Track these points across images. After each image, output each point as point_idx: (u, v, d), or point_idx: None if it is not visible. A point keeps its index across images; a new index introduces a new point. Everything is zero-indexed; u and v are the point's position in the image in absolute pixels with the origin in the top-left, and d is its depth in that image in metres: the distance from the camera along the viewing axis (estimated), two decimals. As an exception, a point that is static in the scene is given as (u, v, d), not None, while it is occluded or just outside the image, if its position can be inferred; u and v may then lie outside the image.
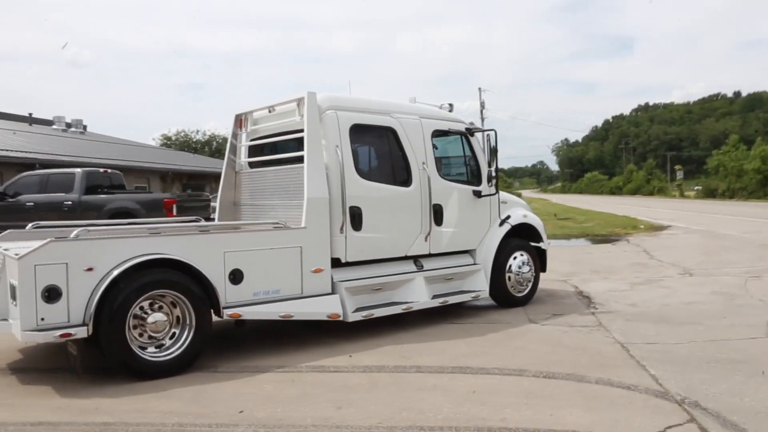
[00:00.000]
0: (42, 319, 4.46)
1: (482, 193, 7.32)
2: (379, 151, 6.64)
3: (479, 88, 50.10)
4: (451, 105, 7.54)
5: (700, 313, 6.89)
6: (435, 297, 6.68)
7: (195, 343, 5.02)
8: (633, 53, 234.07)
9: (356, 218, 6.12)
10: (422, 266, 6.78)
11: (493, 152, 7.35)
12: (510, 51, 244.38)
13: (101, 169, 13.90)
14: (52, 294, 4.48)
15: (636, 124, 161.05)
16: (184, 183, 24.52)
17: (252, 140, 7.17)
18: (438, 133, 7.04)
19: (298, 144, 6.21)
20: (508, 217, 7.62)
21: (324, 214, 5.91)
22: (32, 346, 5.87)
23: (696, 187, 54.09)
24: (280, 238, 5.68)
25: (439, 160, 7.01)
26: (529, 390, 4.42)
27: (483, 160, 7.46)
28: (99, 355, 4.75)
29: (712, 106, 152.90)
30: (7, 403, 4.34)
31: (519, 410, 3.97)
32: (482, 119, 46.62)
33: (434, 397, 4.30)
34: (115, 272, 4.65)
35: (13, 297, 4.53)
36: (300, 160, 6.17)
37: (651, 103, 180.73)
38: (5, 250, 5.01)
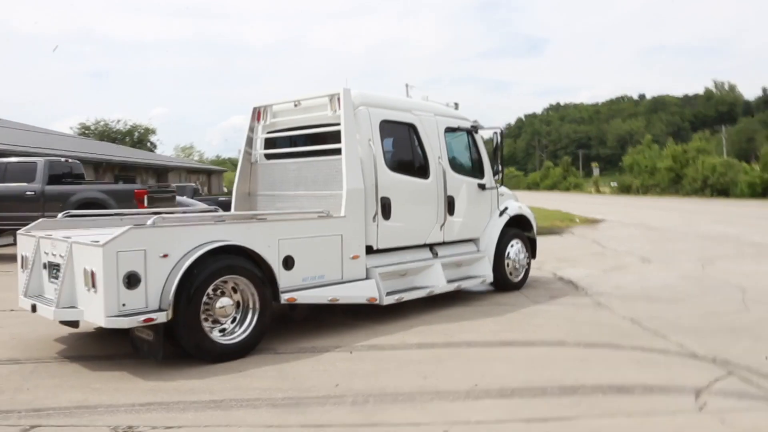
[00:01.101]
0: (123, 304, 4.63)
1: (486, 186, 8.01)
2: (403, 146, 7.12)
3: (406, 84, 51.07)
4: (456, 104, 8.16)
5: (680, 293, 7.89)
6: (450, 282, 7.27)
7: (258, 326, 5.31)
8: (544, 54, 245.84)
9: (386, 208, 6.60)
10: (437, 253, 7.35)
11: (499, 148, 8.04)
12: (426, 47, 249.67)
13: (62, 158, 13.40)
14: (132, 280, 4.65)
15: (548, 123, 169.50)
16: (116, 174, 23.69)
17: (270, 132, 7.45)
18: (449, 130, 7.63)
19: (329, 137, 6.61)
20: (506, 208, 8.34)
21: (361, 204, 6.34)
22: (64, 334, 5.93)
23: (612, 184, 58.10)
24: (325, 227, 6.05)
25: (450, 155, 7.59)
26: (580, 357, 5.10)
27: (485, 155, 8.14)
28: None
29: (620, 107, 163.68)
30: (92, 387, 4.47)
31: (584, 372, 4.62)
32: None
33: (502, 365, 4.88)
34: (192, 258, 4.88)
35: (92, 284, 4.64)
36: (330, 152, 6.59)
37: (562, 103, 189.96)
38: (67, 237, 5.09)
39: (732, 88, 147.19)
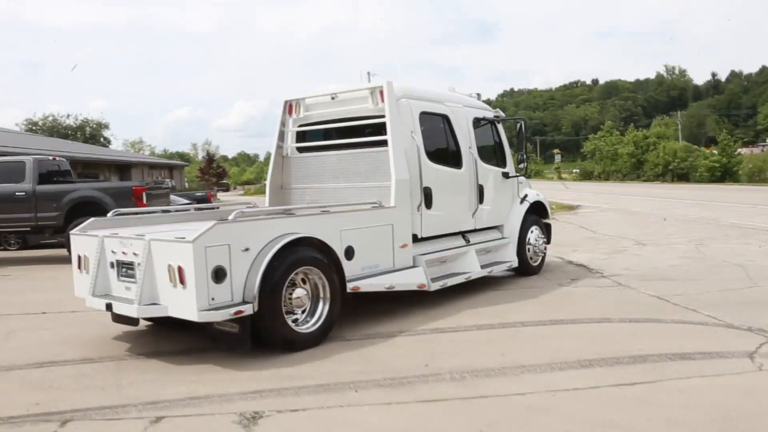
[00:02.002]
0: (213, 298, 4.91)
1: (509, 175, 8.54)
2: (439, 137, 7.54)
3: (368, 72, 51.57)
4: (479, 94, 8.66)
5: (689, 273, 8.60)
6: (483, 267, 7.78)
7: (330, 315, 5.67)
8: (497, 39, 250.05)
9: (428, 198, 7.04)
10: (469, 240, 7.84)
11: (523, 138, 8.57)
12: (377, 33, 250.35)
13: (50, 156, 13.24)
14: (219, 274, 4.94)
15: (502, 109, 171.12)
16: (78, 172, 23.20)
17: (302, 126, 7.76)
18: (476, 120, 8.10)
19: (370, 129, 6.99)
20: (526, 195, 8.92)
21: (408, 194, 6.75)
22: (120, 333, 6.15)
23: (575, 170, 60.02)
24: (378, 217, 6.44)
25: (478, 145, 8.07)
26: (631, 331, 5.67)
27: (507, 144, 8.67)
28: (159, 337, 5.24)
29: (573, 92, 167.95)
30: (191, 380, 4.75)
31: (643, 343, 5.18)
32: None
33: (566, 341, 5.41)
34: (272, 251, 5.20)
35: (179, 279, 4.89)
36: (372, 144, 6.98)
37: (516, 89, 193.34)
38: (140, 236, 5.32)
39: (682, 73, 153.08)
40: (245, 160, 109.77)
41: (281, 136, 7.87)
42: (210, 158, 37.94)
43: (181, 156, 68.35)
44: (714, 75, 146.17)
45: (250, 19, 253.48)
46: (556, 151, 70.11)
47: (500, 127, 8.61)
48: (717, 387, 4.21)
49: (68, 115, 49.81)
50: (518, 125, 8.65)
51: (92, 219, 6.25)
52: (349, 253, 6.02)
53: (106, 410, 4.18)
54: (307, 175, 7.73)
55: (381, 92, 6.86)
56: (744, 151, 45.21)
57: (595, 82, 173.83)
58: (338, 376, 4.70)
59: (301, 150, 7.84)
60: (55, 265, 11.87)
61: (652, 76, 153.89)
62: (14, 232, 11.99)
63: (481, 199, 7.93)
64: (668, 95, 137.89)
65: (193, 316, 4.87)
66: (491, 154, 8.41)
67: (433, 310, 6.79)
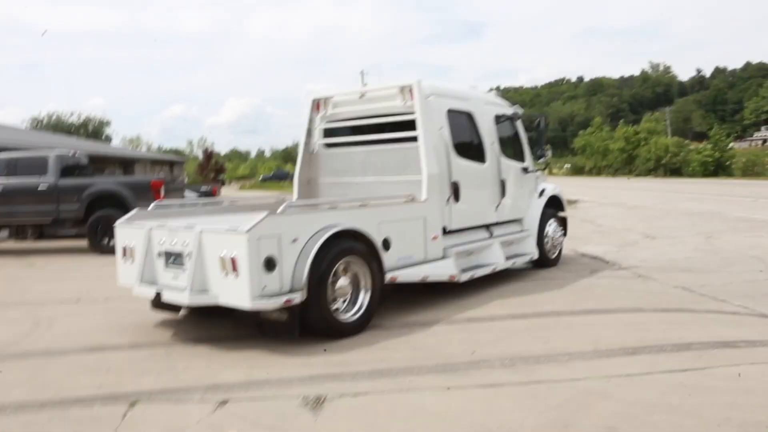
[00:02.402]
0: (264, 287, 4.96)
1: (528, 170, 8.62)
2: (464, 133, 7.60)
3: (361, 72, 52.10)
4: (498, 90, 8.74)
5: (706, 265, 8.72)
6: (507, 259, 7.86)
7: (371, 304, 5.74)
8: (483, 38, 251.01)
9: (456, 191, 7.11)
10: (492, 233, 7.92)
11: (543, 133, 8.66)
12: (364, 34, 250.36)
13: (71, 151, 13.21)
14: (270, 264, 4.99)
15: None
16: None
17: (329, 122, 7.80)
18: (497, 117, 8.17)
19: (400, 126, 7.04)
20: (544, 189, 9.00)
21: (438, 188, 6.81)
22: (160, 320, 6.18)
23: (566, 165, 60.32)
24: (411, 210, 6.50)
25: (499, 141, 8.14)
26: (665, 320, 5.76)
27: (525, 140, 8.76)
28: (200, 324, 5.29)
29: (559, 89, 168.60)
30: (245, 365, 4.78)
31: (682, 332, 5.27)
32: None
33: (604, 330, 5.49)
34: (319, 242, 5.24)
35: (232, 269, 4.93)
36: (402, 140, 7.04)
37: (502, 86, 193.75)
38: (190, 226, 5.35)
39: (667, 69, 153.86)
40: (237, 156, 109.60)
41: (309, 132, 7.91)
42: (209, 154, 37.99)
43: (176, 152, 68.18)
44: (699, 71, 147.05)
45: (244, 19, 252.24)
46: (546, 146, 70.39)
47: (519, 123, 8.69)
48: (760, 374, 4.30)
49: (72, 113, 49.93)
50: (537, 121, 8.74)
51: (136, 210, 6.30)
52: (387, 244, 6.08)
53: (170, 393, 4.23)
54: (335, 170, 7.78)
55: (410, 90, 6.91)
56: (734, 145, 45.59)
57: (580, 79, 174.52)
58: (389, 362, 4.76)
59: (328, 146, 7.88)
60: (75, 255, 11.87)
61: (637, 72, 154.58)
62: (36, 224, 11.98)
63: (503, 193, 8.01)
64: (653, 91, 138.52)
65: (246, 304, 4.92)
66: (511, 149, 8.48)
67: (463, 300, 6.86)
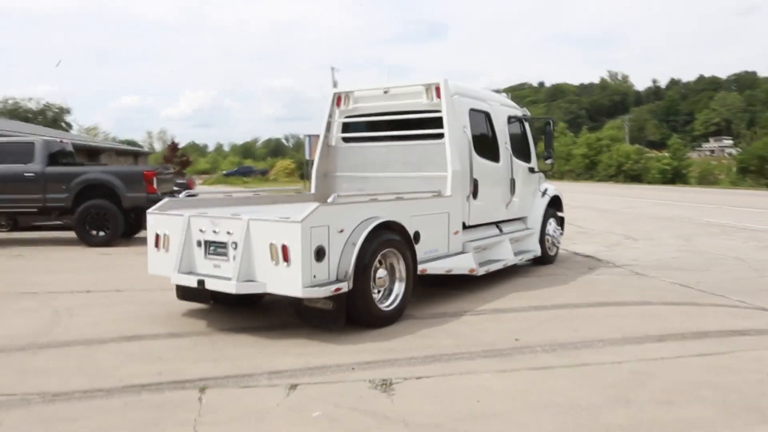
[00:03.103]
0: (314, 276, 5.18)
1: (534, 170, 9.07)
2: (483, 132, 7.96)
3: (332, 68, 52.04)
4: (508, 93, 9.16)
5: (695, 264, 9.31)
6: (516, 255, 8.27)
7: (405, 294, 6.01)
8: (447, 40, 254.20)
9: (476, 189, 7.46)
10: (502, 230, 8.31)
11: (551, 135, 9.11)
12: (329, 30, 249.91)
13: (58, 138, 12.96)
14: (320, 253, 5.21)
15: None
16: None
17: (348, 117, 8.04)
18: (509, 118, 8.58)
19: (424, 123, 7.35)
20: (546, 189, 9.47)
21: (461, 184, 7.15)
22: (191, 309, 6.31)
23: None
24: (437, 205, 6.81)
25: (511, 141, 8.54)
26: (677, 312, 6.24)
27: (532, 141, 9.20)
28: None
29: (521, 93, 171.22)
30: (293, 352, 4.98)
31: (697, 322, 5.76)
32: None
33: (622, 320, 5.92)
34: (364, 233, 5.49)
35: (283, 258, 5.11)
36: (426, 137, 7.36)
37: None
38: (236, 215, 5.53)
39: (625, 78, 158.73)
40: (195, 150, 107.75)
41: (328, 126, 8.13)
42: (174, 147, 37.56)
43: (132, 144, 66.80)
44: (655, 81, 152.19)
45: (204, 10, 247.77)
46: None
47: (527, 125, 9.12)
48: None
49: (30, 99, 48.11)
50: (546, 124, 9.19)
51: (166, 199, 6.40)
52: (417, 237, 6.36)
53: (235, 378, 4.39)
54: (355, 164, 8.02)
55: (437, 88, 7.22)
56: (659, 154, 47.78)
57: (541, 84, 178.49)
58: (437, 348, 5.05)
59: (347, 140, 8.12)
60: (63, 247, 11.69)
61: (597, 80, 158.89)
62: (22, 213, 11.74)
63: (512, 192, 8.41)
64: (611, 100, 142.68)
65: (297, 292, 5.12)
66: (520, 150, 8.89)
67: (480, 293, 7.22)
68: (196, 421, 3.66)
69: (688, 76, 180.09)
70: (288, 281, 5.16)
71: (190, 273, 5.75)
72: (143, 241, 12.61)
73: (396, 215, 6.00)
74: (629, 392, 4.01)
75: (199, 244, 5.75)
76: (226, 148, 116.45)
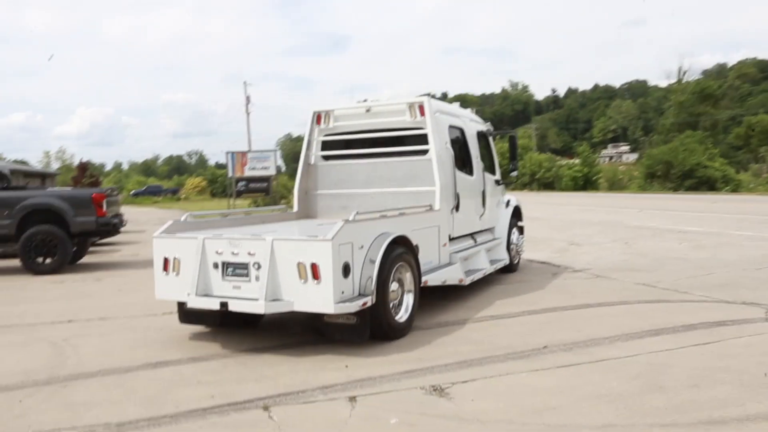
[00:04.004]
0: (342, 292, 5.47)
1: (499, 182, 9.74)
2: (460, 147, 8.50)
3: (244, 82, 51.95)
4: (477, 111, 9.81)
5: (645, 266, 10.27)
6: (491, 264, 8.85)
7: (415, 305, 6.40)
8: (348, 51, 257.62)
9: (458, 202, 7.97)
10: (476, 241, 8.88)
11: (515, 148, 9.81)
12: (225, 43, 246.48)
13: None
14: (346, 270, 5.51)
15: None
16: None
17: (330, 135, 8.35)
18: (478, 133, 9.19)
19: (407, 140, 7.80)
20: (509, 200, 10.16)
21: (447, 198, 7.64)
22: (192, 333, 6.38)
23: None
24: (431, 219, 7.26)
25: (479, 155, 9.14)
26: (656, 309, 7.00)
27: (495, 154, 9.87)
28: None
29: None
30: (330, 367, 5.24)
31: (679, 317, 6.50)
32: (248, 113, 47.80)
33: (615, 318, 6.60)
34: (383, 248, 5.84)
35: (313, 275, 5.36)
36: (410, 153, 7.82)
37: (368, 101, 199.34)
38: (257, 236, 5.71)
39: (525, 88, 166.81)
40: (93, 169, 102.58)
41: (308, 144, 8.39)
42: (83, 167, 36.08)
43: (23, 164, 62.78)
44: (554, 91, 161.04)
45: (96, 23, 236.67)
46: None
47: (491, 139, 9.78)
48: (758, 339, 5.59)
49: None
50: (510, 138, 9.89)
51: (170, 222, 6.43)
52: (417, 250, 6.77)
53: (290, 396, 4.59)
54: (336, 181, 8.32)
55: (420, 107, 7.69)
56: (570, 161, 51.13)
57: (444, 95, 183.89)
58: (463, 355, 5.46)
59: (327, 158, 8.40)
60: (4, 276, 11.11)
61: (498, 90, 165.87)
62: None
63: (483, 204, 9.02)
64: (513, 109, 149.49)
65: (329, 309, 5.38)
66: (487, 163, 9.52)
67: (467, 302, 7.72)
68: (286, 436, 3.88)
69: (584, 85, 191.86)
70: (318, 298, 5.41)
71: (206, 295, 5.87)
72: (91, 267, 12.37)
73: (402, 230, 6.37)
74: (657, 380, 4.61)
75: (215, 266, 5.86)
76: (126, 167, 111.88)
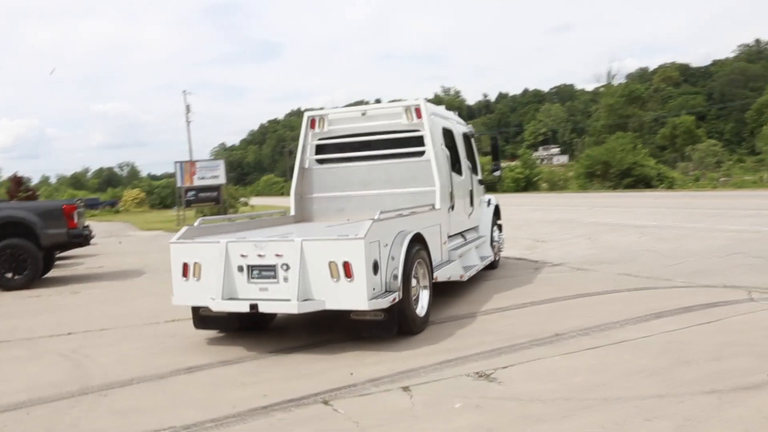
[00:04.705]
0: (373, 289, 5.66)
1: (482, 182, 10.14)
2: (451, 148, 8.81)
3: (184, 91, 51.25)
4: (459, 112, 10.19)
5: (618, 258, 10.87)
6: (480, 260, 9.22)
7: (430, 300, 6.65)
8: (282, 59, 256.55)
9: (453, 202, 8.29)
10: (466, 238, 9.22)
11: (497, 149, 10.24)
12: (156, 52, 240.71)
13: None
14: (376, 267, 5.71)
15: (291, 128, 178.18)
16: None
17: (325, 139, 8.51)
18: (464, 134, 9.56)
19: (405, 142, 8.07)
20: (489, 199, 10.59)
21: (445, 198, 7.94)
22: (208, 338, 6.42)
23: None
24: (434, 217, 7.53)
25: (465, 156, 9.51)
26: (647, 295, 7.51)
27: (477, 155, 10.29)
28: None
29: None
30: (365, 362, 5.40)
31: (673, 301, 7.02)
32: (188, 122, 47.10)
33: (615, 305, 7.05)
34: (406, 245, 6.07)
35: (345, 274, 5.52)
36: (409, 155, 8.08)
37: (302, 108, 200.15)
38: (285, 238, 5.83)
39: (457, 93, 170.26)
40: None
41: (303, 149, 8.51)
42: (18, 181, 34.57)
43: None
44: (485, 96, 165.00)
45: (19, 32, 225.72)
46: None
47: (473, 139, 10.18)
48: (754, 317, 6.15)
49: None
50: (492, 139, 10.31)
51: (185, 228, 6.44)
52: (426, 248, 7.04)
53: (344, 390, 4.71)
54: (333, 184, 8.48)
55: (417, 109, 7.97)
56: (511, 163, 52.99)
57: (378, 101, 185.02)
58: (490, 344, 5.74)
59: (322, 161, 8.55)
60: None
61: (431, 96, 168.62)
62: None
63: (471, 203, 9.39)
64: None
65: (363, 305, 5.56)
66: (472, 163, 9.91)
67: (466, 297, 8.04)
68: (359, 425, 4.04)
69: (514, 89, 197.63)
70: (351, 296, 5.58)
71: (231, 299, 5.92)
72: (61, 280, 11.99)
73: (416, 228, 6.62)
74: (681, 356, 5.03)
75: (240, 269, 5.93)
76: (53, 180, 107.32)
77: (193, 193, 25.64)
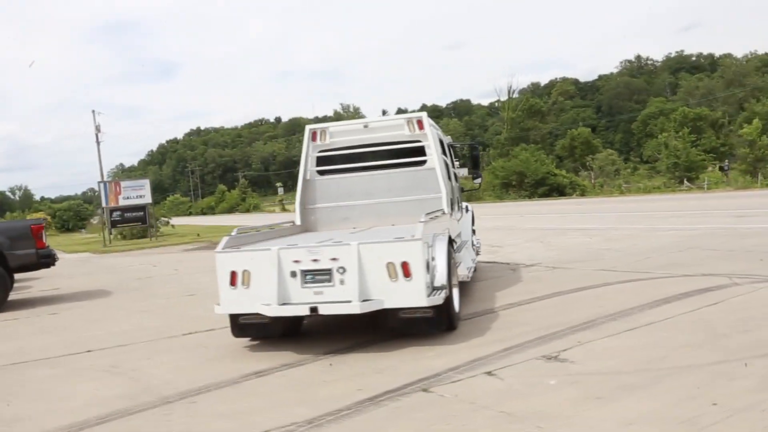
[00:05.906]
0: (427, 287, 6.03)
1: (463, 189, 10.76)
2: (446, 158, 9.31)
3: (93, 111, 49.35)
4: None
5: (585, 257, 11.75)
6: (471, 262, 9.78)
7: (459, 297, 7.09)
8: (178, 79, 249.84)
9: (452, 207, 8.82)
10: (456, 243, 9.75)
11: (478, 158, 10.88)
12: (48, 71, 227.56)
13: None
14: (429, 266, 6.10)
15: (191, 148, 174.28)
16: None
17: (326, 151, 8.78)
18: (448, 144, 10.13)
19: (407, 152, 8.51)
20: (467, 206, 11.21)
21: (448, 204, 8.44)
22: (245, 345, 6.53)
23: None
24: (444, 222, 7.98)
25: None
26: (641, 286, 8.30)
27: (457, 164, 10.91)
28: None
29: (259, 130, 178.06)
30: (425, 356, 5.76)
31: (665, 289, 7.83)
32: (98, 143, 45.11)
33: (620, 295, 7.78)
34: (445, 245, 6.49)
35: (403, 273, 5.86)
36: (412, 164, 8.53)
37: (202, 128, 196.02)
38: (340, 242, 6.08)
39: (356, 110, 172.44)
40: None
41: (305, 161, 8.75)
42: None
43: None
44: (384, 112, 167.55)
45: None
46: (279, 183, 74.93)
47: (452, 149, 10.77)
48: (750, 297, 7.05)
49: None
50: (473, 149, 10.95)
51: (228, 237, 6.52)
52: (449, 249, 7.49)
53: (432, 380, 4.99)
54: (336, 194, 8.77)
55: (419, 121, 8.45)
56: None
57: (278, 119, 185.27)
58: (532, 333, 6.23)
59: (324, 172, 8.82)
60: None
61: (330, 113, 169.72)
62: None
63: (459, 208, 9.96)
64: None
65: (422, 302, 5.92)
66: (454, 172, 10.47)
67: (470, 297, 8.50)
68: (477, 404, 4.40)
69: (412, 105, 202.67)
70: (410, 294, 5.93)
71: (285, 304, 6.09)
72: (26, 304, 11.39)
73: (445, 230, 7.06)
74: (714, 331, 5.77)
75: (293, 274, 6.11)
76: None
77: (119, 213, 24.68)
